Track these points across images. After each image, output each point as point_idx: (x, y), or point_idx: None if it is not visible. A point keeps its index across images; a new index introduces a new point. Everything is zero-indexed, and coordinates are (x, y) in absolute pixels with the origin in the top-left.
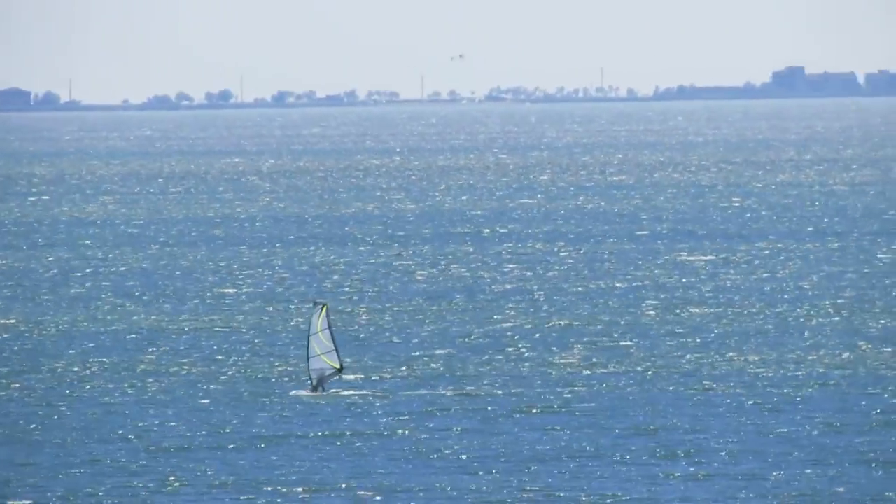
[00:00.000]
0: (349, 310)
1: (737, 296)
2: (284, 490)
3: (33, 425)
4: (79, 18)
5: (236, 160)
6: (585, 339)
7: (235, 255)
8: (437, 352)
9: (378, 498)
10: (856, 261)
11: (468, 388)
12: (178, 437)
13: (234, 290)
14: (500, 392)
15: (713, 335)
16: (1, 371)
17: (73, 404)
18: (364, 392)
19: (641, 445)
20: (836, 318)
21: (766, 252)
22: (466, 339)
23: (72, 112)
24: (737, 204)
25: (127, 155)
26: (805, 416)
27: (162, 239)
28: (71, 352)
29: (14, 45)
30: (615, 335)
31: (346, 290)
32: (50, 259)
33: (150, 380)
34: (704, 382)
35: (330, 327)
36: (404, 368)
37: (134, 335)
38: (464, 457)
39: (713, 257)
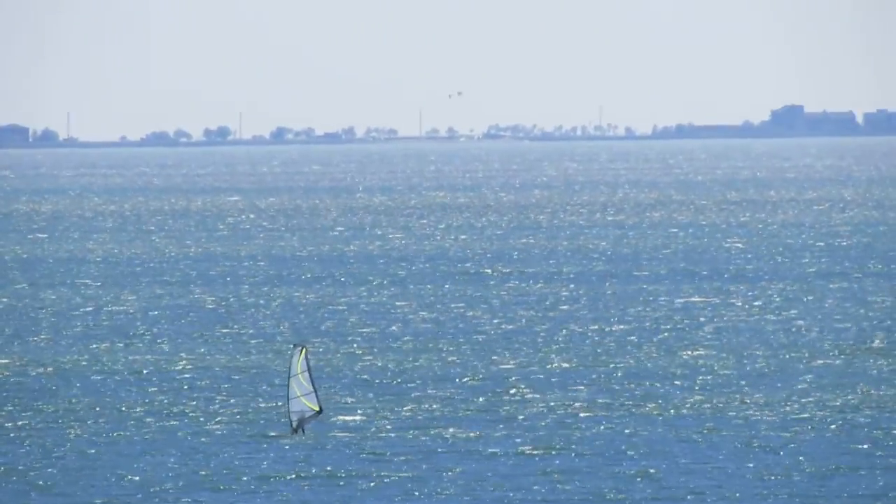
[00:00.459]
0: (346, 350)
1: (737, 337)
2: None
3: (25, 466)
4: (77, 56)
5: (234, 198)
6: (585, 381)
7: (233, 294)
8: (431, 392)
9: None
10: (856, 301)
11: (461, 430)
12: (172, 477)
13: (231, 330)
14: (493, 434)
15: (713, 377)
16: None
17: (69, 444)
18: (353, 434)
19: (642, 489)
20: (838, 361)
21: (767, 292)
22: (461, 380)
23: (70, 149)
24: (738, 244)
25: (125, 192)
26: (806, 457)
27: (160, 278)
28: (67, 391)
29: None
30: (615, 376)
31: (344, 329)
32: (48, 296)
33: (137, 420)
34: (707, 424)
35: (309, 370)
36: (396, 410)
37: (130, 375)
38: (454, 498)
39: (713, 298)
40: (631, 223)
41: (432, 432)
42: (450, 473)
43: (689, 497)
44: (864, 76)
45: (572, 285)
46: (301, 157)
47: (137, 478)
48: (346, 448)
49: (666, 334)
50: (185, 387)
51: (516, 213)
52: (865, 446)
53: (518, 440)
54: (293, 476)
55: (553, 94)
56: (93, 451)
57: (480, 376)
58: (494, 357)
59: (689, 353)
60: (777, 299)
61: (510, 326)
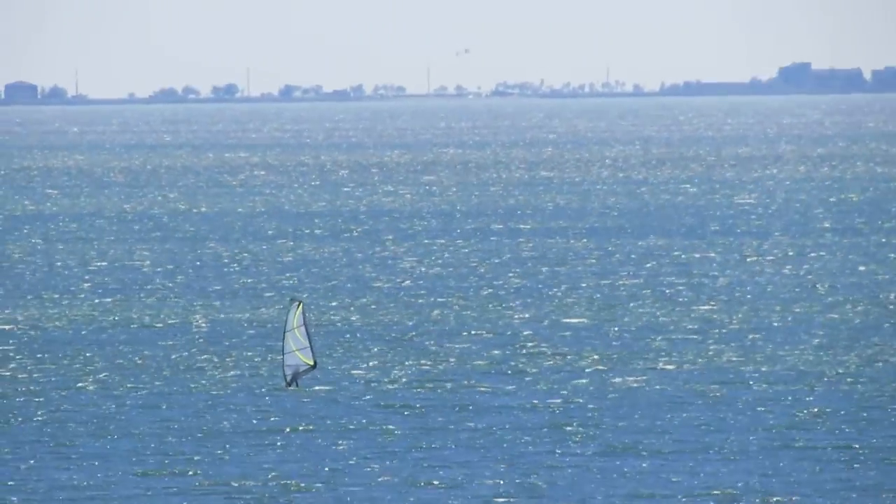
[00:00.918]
0: (355, 305)
1: (748, 291)
2: (258, 483)
3: (40, 420)
4: (85, 12)
5: (243, 154)
6: (596, 335)
7: (242, 249)
8: (438, 346)
9: (354, 490)
10: (866, 256)
11: (469, 384)
12: (175, 430)
13: (239, 285)
14: (504, 387)
15: (726, 331)
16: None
17: (82, 398)
18: (344, 386)
19: (655, 442)
20: (850, 315)
21: (778, 248)
22: (469, 335)
23: (79, 106)
24: (750, 200)
25: (134, 148)
26: (819, 411)
27: (157, 234)
28: (80, 346)
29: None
30: (627, 331)
31: (352, 284)
32: (61, 252)
33: (136, 375)
34: (719, 378)
35: (306, 324)
36: (402, 364)
37: (137, 329)
38: (445, 453)
39: (724, 253)
40: (641, 178)
41: (441, 386)
42: (456, 428)
43: (703, 450)
44: (872, 33)
45: (584, 240)
46: (310, 113)
47: (145, 430)
48: (345, 401)
49: (678, 289)
50: (191, 341)
51: (527, 169)
52: (881, 399)
53: (528, 394)
54: (289, 429)
55: (561, 51)
56: (106, 404)
57: (489, 331)
58: (504, 311)
59: (701, 307)
60: (789, 254)
61: (520, 281)
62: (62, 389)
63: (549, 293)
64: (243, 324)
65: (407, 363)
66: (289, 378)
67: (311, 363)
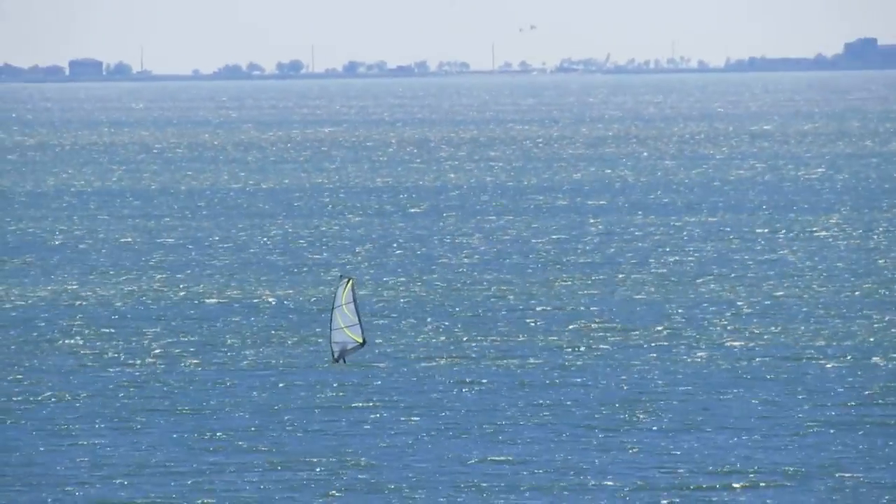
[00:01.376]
0: (407, 280)
1: (817, 269)
2: (305, 460)
3: (58, 397)
4: None
5: (308, 130)
6: (659, 314)
7: (307, 225)
8: (475, 327)
9: (421, 466)
10: None
11: (510, 360)
12: (224, 409)
13: (302, 262)
14: (549, 365)
15: (793, 309)
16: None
17: (120, 379)
18: (389, 365)
19: (718, 420)
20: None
21: (848, 225)
22: (513, 312)
23: (143, 82)
24: (814, 175)
25: (201, 124)
26: (833, 386)
27: (223, 210)
28: (133, 321)
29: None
30: (693, 311)
31: (407, 261)
32: (133, 227)
33: (203, 351)
34: (795, 353)
35: (355, 301)
36: (444, 341)
37: (192, 307)
38: (490, 431)
39: (792, 230)
40: (708, 154)
41: (505, 363)
42: (522, 405)
43: (770, 427)
44: None
45: (651, 217)
46: (375, 89)
47: (187, 408)
48: (390, 378)
49: (745, 265)
50: (257, 317)
51: (591, 145)
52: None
53: (593, 372)
54: (353, 404)
55: (626, 26)
56: (172, 380)
57: (556, 307)
58: (569, 288)
59: (769, 283)
60: (857, 230)
61: (585, 258)
62: (127, 366)
63: (615, 270)
64: (309, 299)
65: (471, 340)
66: (336, 354)
67: (360, 340)
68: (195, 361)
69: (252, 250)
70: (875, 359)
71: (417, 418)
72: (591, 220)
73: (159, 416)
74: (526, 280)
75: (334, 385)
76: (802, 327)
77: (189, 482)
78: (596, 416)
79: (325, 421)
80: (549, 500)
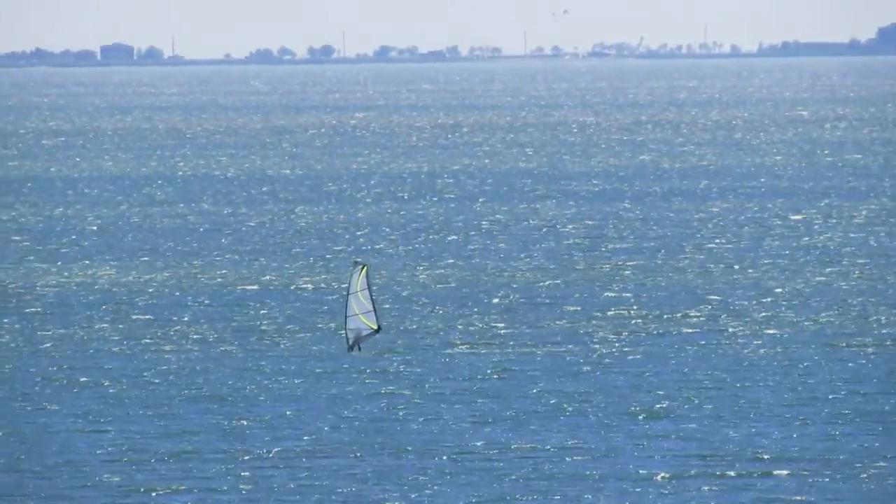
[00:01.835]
0: (431, 266)
1: (857, 256)
2: (337, 447)
3: (67, 382)
4: None
5: (341, 115)
6: (697, 301)
7: (339, 211)
8: (510, 314)
9: (410, 457)
10: None
11: (529, 347)
12: (226, 392)
13: (335, 247)
14: (566, 353)
15: (834, 297)
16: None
17: (137, 361)
18: (403, 353)
19: (756, 407)
20: None
21: (889, 212)
22: (527, 299)
23: (175, 67)
24: (851, 161)
25: (230, 110)
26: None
27: (257, 195)
28: (154, 306)
29: (118, 1)
30: (729, 298)
31: (435, 246)
32: (168, 213)
33: (216, 337)
34: (832, 341)
35: (370, 287)
36: (461, 328)
37: (229, 293)
38: (524, 418)
39: (832, 216)
40: (741, 139)
41: (499, 351)
42: (519, 393)
43: (806, 414)
44: None
45: (687, 203)
46: (407, 74)
47: (221, 394)
48: (405, 366)
49: (783, 252)
50: (271, 303)
51: (626, 130)
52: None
53: (631, 359)
54: (370, 392)
55: (658, 11)
56: (178, 368)
57: (591, 294)
58: (603, 275)
59: (807, 270)
60: (882, 217)
61: (620, 244)
62: (163, 352)
63: (650, 256)
64: (344, 284)
65: (509, 326)
66: (350, 342)
67: (375, 327)
68: (230, 348)
69: (288, 235)
70: None
71: (445, 405)
72: (626, 206)
73: (194, 402)
74: (560, 266)
75: (367, 371)
76: (840, 314)
77: (223, 468)
78: (631, 404)
79: (357, 408)
80: (583, 489)
